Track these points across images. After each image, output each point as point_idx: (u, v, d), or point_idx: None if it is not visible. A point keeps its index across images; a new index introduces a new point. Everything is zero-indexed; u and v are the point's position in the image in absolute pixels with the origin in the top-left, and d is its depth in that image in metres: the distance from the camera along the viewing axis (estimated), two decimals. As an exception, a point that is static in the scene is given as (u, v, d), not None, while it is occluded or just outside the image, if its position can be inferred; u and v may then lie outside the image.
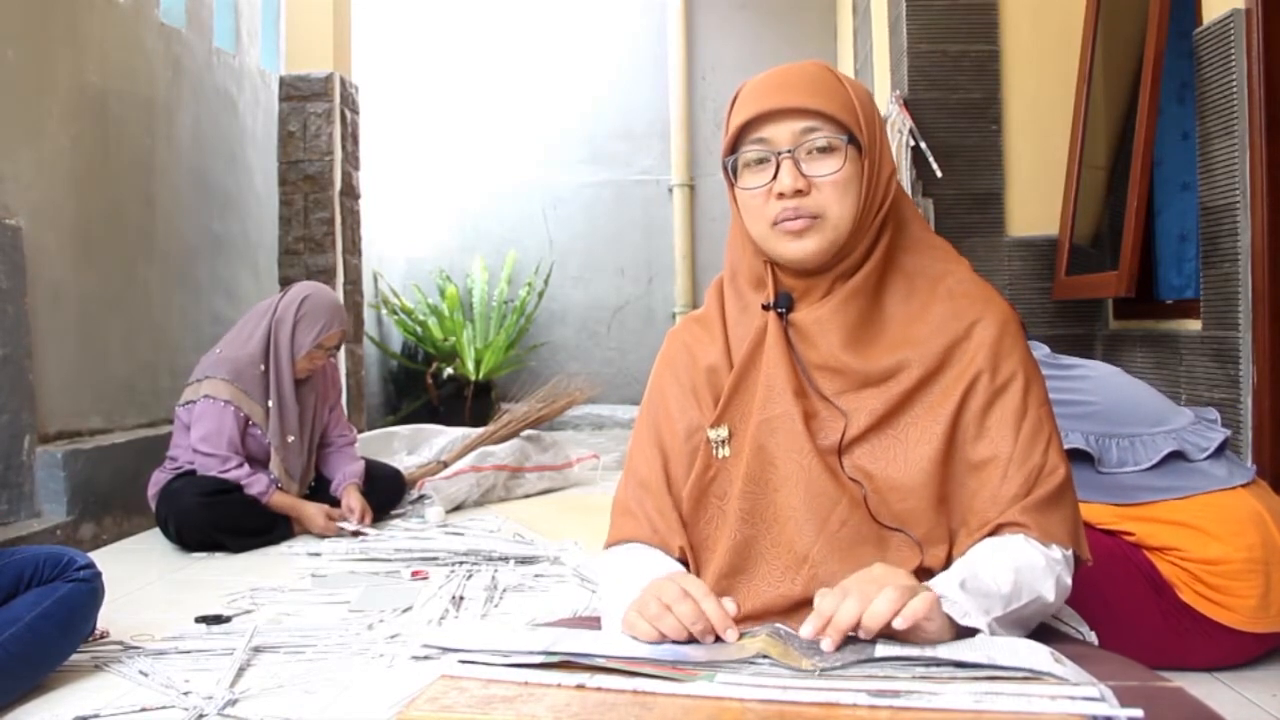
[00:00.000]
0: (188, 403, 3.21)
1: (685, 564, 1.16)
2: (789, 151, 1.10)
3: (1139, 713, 0.77)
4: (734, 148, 1.13)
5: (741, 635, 0.97)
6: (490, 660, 0.90)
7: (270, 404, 3.22)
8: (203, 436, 3.13)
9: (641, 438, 1.24)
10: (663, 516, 1.18)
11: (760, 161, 1.12)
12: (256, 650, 2.07)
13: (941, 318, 1.13)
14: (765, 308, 1.16)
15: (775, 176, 1.10)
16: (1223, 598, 1.81)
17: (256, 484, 3.14)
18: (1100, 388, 2.01)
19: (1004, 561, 1.03)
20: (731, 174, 1.15)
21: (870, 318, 1.14)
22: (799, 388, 1.13)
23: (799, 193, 1.09)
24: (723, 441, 1.16)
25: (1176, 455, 1.90)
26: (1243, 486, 1.89)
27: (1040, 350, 2.08)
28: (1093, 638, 1.20)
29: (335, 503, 3.32)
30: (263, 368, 3.23)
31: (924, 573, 1.08)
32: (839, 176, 1.10)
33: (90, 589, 1.94)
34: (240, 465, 3.15)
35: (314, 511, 3.22)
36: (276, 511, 3.18)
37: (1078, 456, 1.89)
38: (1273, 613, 1.81)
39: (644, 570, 1.11)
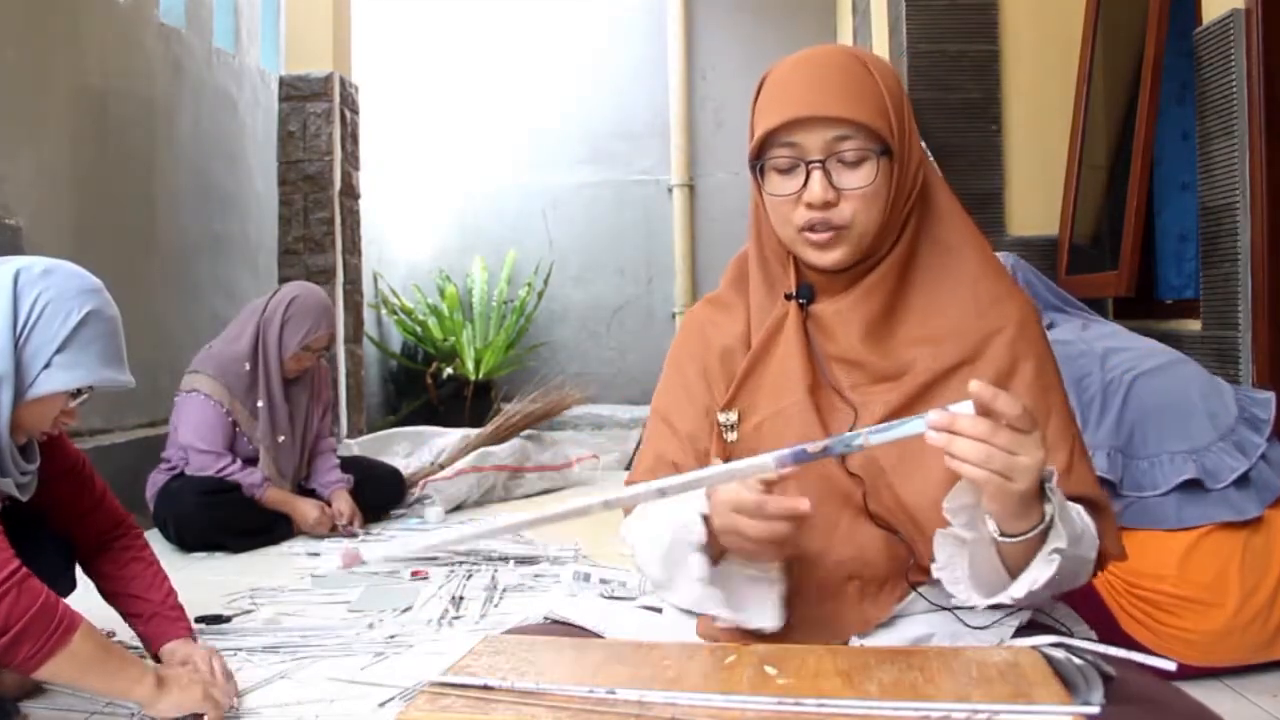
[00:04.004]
0: (177, 393, 3.21)
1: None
2: (819, 161, 1.08)
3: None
4: (761, 150, 1.11)
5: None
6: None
7: (260, 404, 3.22)
8: (194, 433, 3.12)
9: (655, 426, 1.23)
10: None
11: (789, 167, 1.10)
12: (256, 650, 2.07)
13: (964, 311, 1.12)
14: (788, 297, 1.15)
15: (805, 185, 1.09)
16: (1155, 625, 1.72)
17: (251, 476, 3.14)
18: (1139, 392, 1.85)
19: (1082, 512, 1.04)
20: (758, 174, 1.13)
21: (892, 310, 1.13)
22: (814, 381, 1.12)
23: (828, 204, 1.08)
24: (731, 426, 1.15)
25: (1193, 481, 1.75)
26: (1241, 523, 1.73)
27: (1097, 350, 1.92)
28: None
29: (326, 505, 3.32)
30: (248, 366, 3.21)
31: (920, 573, 1.08)
32: (869, 190, 1.08)
33: None
34: (234, 461, 3.15)
35: (308, 507, 3.22)
36: (271, 508, 3.18)
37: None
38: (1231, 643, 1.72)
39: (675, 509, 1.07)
